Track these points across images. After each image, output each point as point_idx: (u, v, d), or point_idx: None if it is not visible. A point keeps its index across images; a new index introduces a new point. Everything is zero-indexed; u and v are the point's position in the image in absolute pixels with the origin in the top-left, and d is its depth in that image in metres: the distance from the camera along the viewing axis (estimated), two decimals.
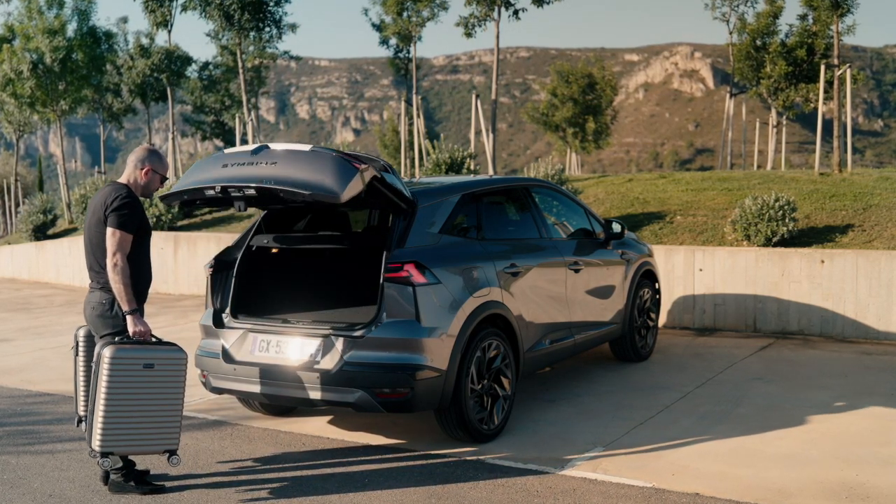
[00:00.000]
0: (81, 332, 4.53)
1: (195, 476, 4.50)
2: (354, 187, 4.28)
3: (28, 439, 5.26)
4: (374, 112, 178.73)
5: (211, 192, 4.50)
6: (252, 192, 4.37)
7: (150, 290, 4.54)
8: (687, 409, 5.63)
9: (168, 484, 4.37)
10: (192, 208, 5.01)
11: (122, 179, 4.34)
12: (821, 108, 13.25)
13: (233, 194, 4.44)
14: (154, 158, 4.35)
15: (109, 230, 4.10)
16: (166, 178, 4.44)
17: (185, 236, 13.18)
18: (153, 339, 4.19)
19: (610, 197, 11.67)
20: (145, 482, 4.27)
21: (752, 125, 28.04)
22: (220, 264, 5.27)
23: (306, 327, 4.90)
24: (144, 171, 4.30)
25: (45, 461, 4.80)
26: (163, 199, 4.79)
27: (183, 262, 12.98)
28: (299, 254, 5.81)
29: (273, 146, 4.49)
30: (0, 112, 23.14)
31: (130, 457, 4.25)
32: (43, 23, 18.83)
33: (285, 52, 27.78)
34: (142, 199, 4.34)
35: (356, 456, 4.81)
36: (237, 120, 19.26)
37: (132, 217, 4.15)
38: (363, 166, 4.36)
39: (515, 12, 15.39)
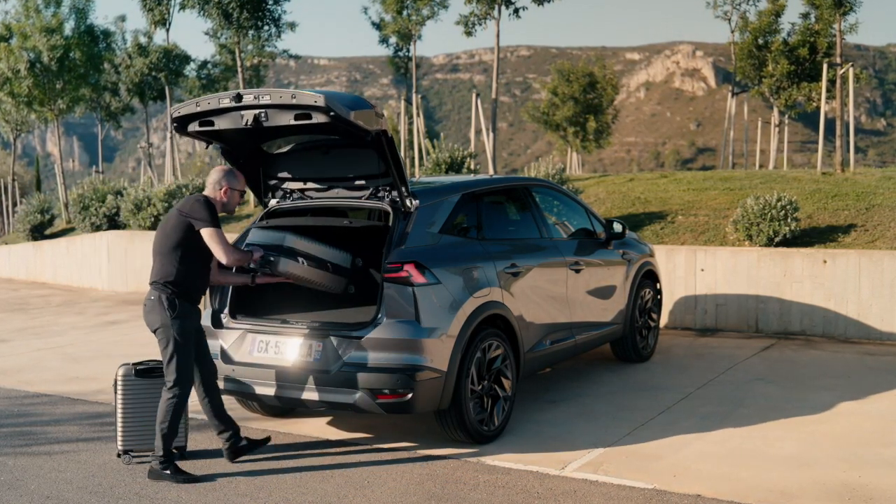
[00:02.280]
0: (121, 371, 4.75)
1: (189, 483, 4.47)
2: (366, 116, 4.43)
3: (25, 440, 5.23)
4: None
5: (226, 101, 4.54)
6: (267, 98, 4.44)
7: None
8: (688, 410, 5.60)
9: (167, 485, 4.34)
10: (204, 137, 4.99)
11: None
12: (823, 108, 13.21)
13: (248, 102, 4.48)
14: (230, 177, 4.63)
15: (205, 231, 4.40)
16: (244, 192, 4.70)
17: None
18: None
19: (611, 196, 11.64)
20: (181, 471, 4.44)
21: (753, 124, 27.97)
22: (219, 264, 5.23)
23: (305, 328, 4.88)
24: (223, 190, 4.61)
25: (43, 462, 4.78)
26: (175, 119, 4.81)
27: None
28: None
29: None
30: None
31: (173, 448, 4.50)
32: (40, 21, 18.76)
33: (284, 51, 27.69)
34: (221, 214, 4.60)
35: (355, 457, 4.79)
36: None
37: (215, 214, 4.49)
38: (381, 113, 4.54)
39: (516, 11, 15.35)
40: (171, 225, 4.48)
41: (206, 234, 4.41)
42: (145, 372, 4.76)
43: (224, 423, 4.71)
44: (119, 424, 4.72)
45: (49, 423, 5.67)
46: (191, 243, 4.46)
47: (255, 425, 5.44)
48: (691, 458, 4.62)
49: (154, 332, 4.49)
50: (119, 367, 4.78)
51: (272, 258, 4.70)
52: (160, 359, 4.62)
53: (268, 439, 4.88)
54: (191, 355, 4.48)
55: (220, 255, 4.44)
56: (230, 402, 5.83)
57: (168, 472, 4.43)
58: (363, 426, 5.38)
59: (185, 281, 4.46)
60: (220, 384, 5.03)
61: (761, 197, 9.14)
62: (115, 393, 4.75)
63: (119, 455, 4.73)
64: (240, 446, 4.73)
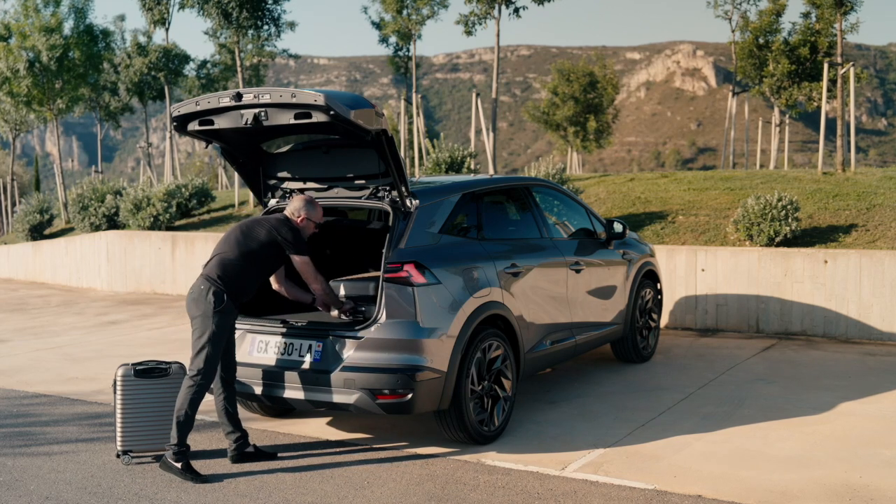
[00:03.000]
0: (120, 371, 4.75)
1: (197, 482, 4.46)
2: (366, 116, 4.43)
3: (24, 441, 5.22)
4: None
5: (226, 100, 4.55)
6: (267, 97, 4.45)
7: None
8: (689, 411, 5.59)
9: (167, 485, 4.33)
10: (204, 137, 4.99)
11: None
12: (824, 107, 13.19)
13: (248, 101, 4.50)
14: (309, 208, 4.80)
15: (300, 259, 4.68)
16: (321, 224, 4.91)
17: (183, 236, 13.14)
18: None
19: (611, 196, 11.62)
20: (191, 469, 4.46)
21: (754, 124, 27.96)
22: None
23: (305, 328, 4.87)
24: (300, 218, 4.78)
25: (42, 463, 4.77)
26: (175, 118, 4.82)
27: (181, 261, 12.93)
28: None
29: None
30: None
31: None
32: (39, 21, 18.72)
33: (284, 51, 27.71)
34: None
35: (355, 457, 4.78)
36: None
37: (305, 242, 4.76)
38: (382, 112, 4.54)
39: (516, 10, 15.34)
40: (255, 237, 4.63)
41: (301, 262, 4.67)
42: (144, 372, 4.75)
43: (234, 425, 4.70)
44: (118, 425, 4.72)
45: (48, 423, 5.66)
46: (267, 259, 4.66)
47: (255, 426, 5.43)
48: (692, 459, 4.61)
49: (193, 319, 4.55)
50: (118, 367, 4.77)
51: (363, 309, 4.97)
52: (159, 359, 4.60)
53: (275, 455, 4.83)
54: (221, 350, 4.56)
55: (312, 283, 4.75)
56: None
57: (179, 465, 4.44)
58: (363, 427, 5.37)
59: (240, 284, 4.57)
60: None
61: (762, 197, 9.13)
62: (115, 393, 4.74)
63: (118, 455, 4.72)
64: (246, 451, 4.72)
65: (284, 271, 5.07)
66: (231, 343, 4.69)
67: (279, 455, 4.82)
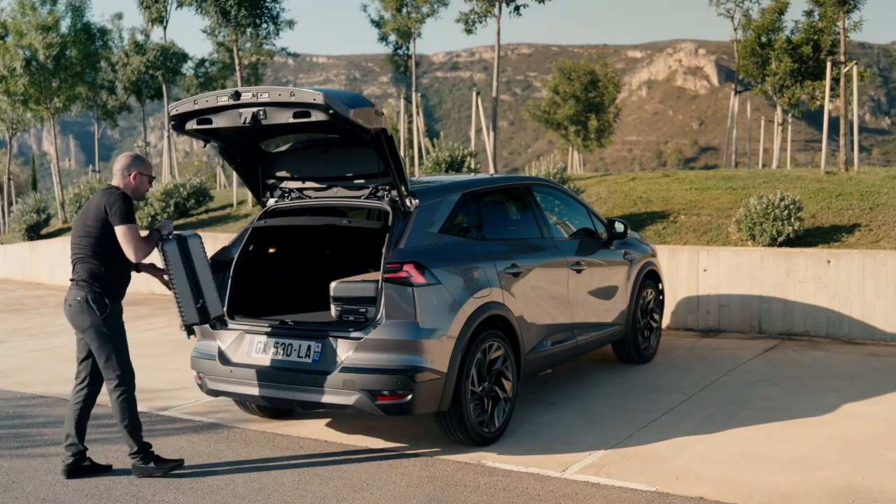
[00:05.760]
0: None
1: (191, 479, 4.43)
2: (366, 115, 4.39)
3: (21, 442, 5.20)
4: None
5: (224, 99, 4.51)
6: (266, 96, 4.41)
7: (145, 290, 4.57)
8: (691, 412, 5.55)
9: (164, 487, 4.30)
10: (202, 136, 4.97)
11: (114, 184, 4.54)
12: (827, 106, 13.15)
13: (247, 100, 4.45)
14: (138, 162, 4.55)
15: (120, 228, 4.32)
16: (154, 178, 4.64)
17: None
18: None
19: (612, 196, 11.59)
20: (164, 461, 4.47)
21: (756, 123, 27.88)
22: (217, 264, 5.20)
23: (304, 329, 4.84)
24: (132, 175, 4.52)
25: (39, 465, 4.74)
26: (173, 117, 4.77)
27: None
28: (297, 253, 5.75)
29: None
30: None
31: (145, 439, 4.52)
32: (36, 19, 18.66)
33: (283, 49, 27.64)
34: (135, 201, 4.54)
35: (355, 459, 4.75)
36: None
37: (132, 210, 4.41)
38: (381, 111, 4.51)
39: (517, 8, 15.30)
40: (89, 220, 4.38)
41: (120, 231, 4.33)
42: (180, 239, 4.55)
43: (79, 437, 4.50)
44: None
45: (45, 424, 5.63)
46: (112, 238, 4.37)
47: (253, 427, 5.40)
48: (694, 461, 4.58)
49: (84, 331, 4.41)
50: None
51: (170, 237, 4.53)
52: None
53: (110, 467, 4.61)
54: (126, 348, 4.46)
55: (129, 254, 4.35)
56: (228, 404, 5.79)
57: (152, 464, 4.44)
58: (362, 428, 5.33)
59: (110, 277, 4.41)
60: (219, 385, 4.99)
61: (764, 196, 9.09)
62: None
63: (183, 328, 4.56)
64: (83, 465, 4.51)
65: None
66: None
67: (276, 457, 4.79)
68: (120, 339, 4.42)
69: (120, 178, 4.51)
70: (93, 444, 5.10)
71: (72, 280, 4.46)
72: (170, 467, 4.44)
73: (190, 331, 4.59)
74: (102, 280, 4.39)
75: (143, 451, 4.45)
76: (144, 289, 13.06)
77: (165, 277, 4.60)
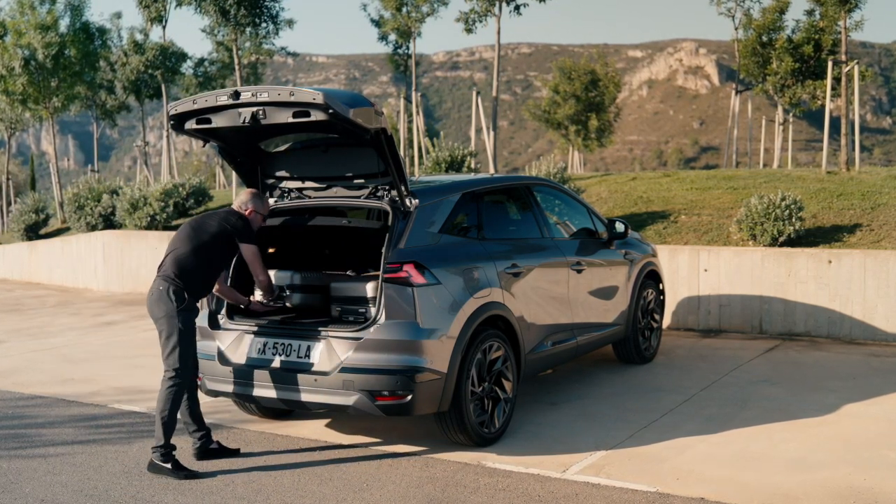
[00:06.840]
0: None
1: (190, 479, 4.42)
2: (366, 114, 4.40)
3: (19, 443, 5.18)
4: None
5: (224, 99, 4.52)
6: (265, 95, 4.43)
7: (145, 291, 4.59)
8: (691, 412, 5.54)
9: (164, 488, 4.29)
10: (202, 136, 4.98)
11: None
12: (828, 106, 13.13)
13: (246, 99, 4.47)
14: (256, 201, 4.87)
15: (250, 247, 4.71)
16: (267, 217, 5.01)
17: None
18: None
19: (613, 196, 11.57)
20: (181, 467, 4.47)
21: (757, 123, 27.85)
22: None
23: (303, 329, 4.83)
24: (248, 211, 4.84)
25: (38, 465, 4.73)
26: (173, 117, 4.80)
27: None
28: (297, 253, 5.74)
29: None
30: None
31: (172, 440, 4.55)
32: (35, 18, 18.62)
33: (282, 49, 27.57)
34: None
35: (354, 459, 4.73)
36: None
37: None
38: (381, 111, 4.54)
39: (517, 7, 15.27)
40: (206, 229, 4.66)
41: (248, 250, 4.69)
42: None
43: (198, 422, 4.74)
44: None
45: (44, 425, 5.62)
46: (219, 251, 4.67)
47: (252, 427, 5.38)
48: (695, 461, 4.57)
49: (157, 320, 4.56)
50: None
51: (285, 295, 5.12)
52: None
53: (238, 451, 4.86)
54: (194, 347, 4.62)
55: (259, 274, 4.77)
56: (228, 404, 5.79)
57: (168, 465, 4.45)
58: (362, 428, 5.32)
59: (197, 279, 4.60)
60: (218, 385, 4.99)
61: (765, 196, 9.07)
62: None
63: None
64: (210, 448, 4.75)
65: (227, 275, 5.09)
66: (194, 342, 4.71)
67: (277, 457, 4.78)
68: (188, 335, 4.54)
69: (239, 207, 4.83)
70: (98, 445, 5.09)
71: (158, 273, 4.64)
72: (184, 475, 4.44)
73: None
74: (188, 278, 4.55)
75: (167, 451, 4.49)
76: (144, 289, 13.05)
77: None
